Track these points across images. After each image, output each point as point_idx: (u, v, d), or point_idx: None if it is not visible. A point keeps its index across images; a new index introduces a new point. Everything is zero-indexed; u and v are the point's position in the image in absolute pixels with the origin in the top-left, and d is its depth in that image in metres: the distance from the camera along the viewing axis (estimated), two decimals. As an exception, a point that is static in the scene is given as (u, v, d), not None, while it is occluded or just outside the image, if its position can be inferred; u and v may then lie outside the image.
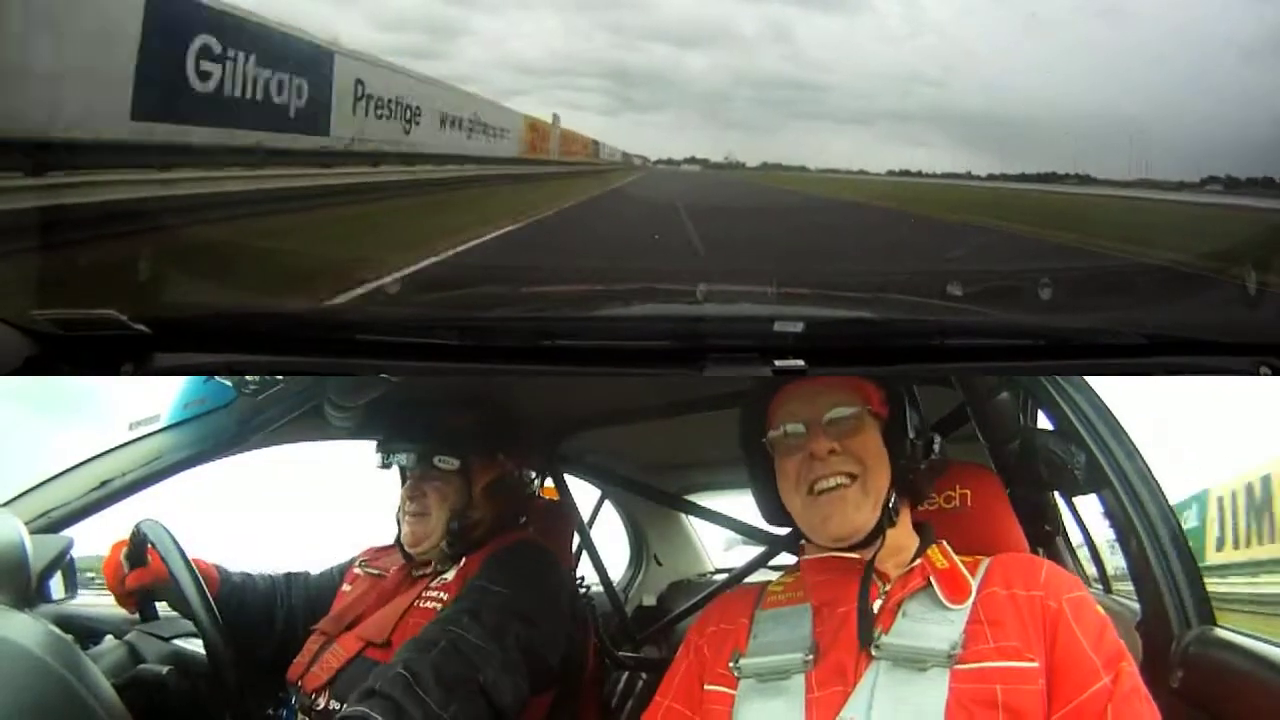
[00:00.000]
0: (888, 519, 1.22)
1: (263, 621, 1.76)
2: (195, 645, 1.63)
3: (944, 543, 1.25)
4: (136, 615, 1.73)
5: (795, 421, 1.25)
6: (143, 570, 1.65)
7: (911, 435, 1.25)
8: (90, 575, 1.82)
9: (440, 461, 1.66)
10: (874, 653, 1.14)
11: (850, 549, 1.22)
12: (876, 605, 1.19)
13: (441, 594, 1.59)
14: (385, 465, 1.72)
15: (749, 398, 1.34)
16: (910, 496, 1.28)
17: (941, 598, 1.17)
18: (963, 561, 1.22)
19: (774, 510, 1.30)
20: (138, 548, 1.65)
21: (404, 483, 1.72)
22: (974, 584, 1.18)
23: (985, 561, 1.22)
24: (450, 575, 1.62)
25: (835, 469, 1.21)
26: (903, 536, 1.25)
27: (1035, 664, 1.09)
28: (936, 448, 1.28)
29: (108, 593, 1.72)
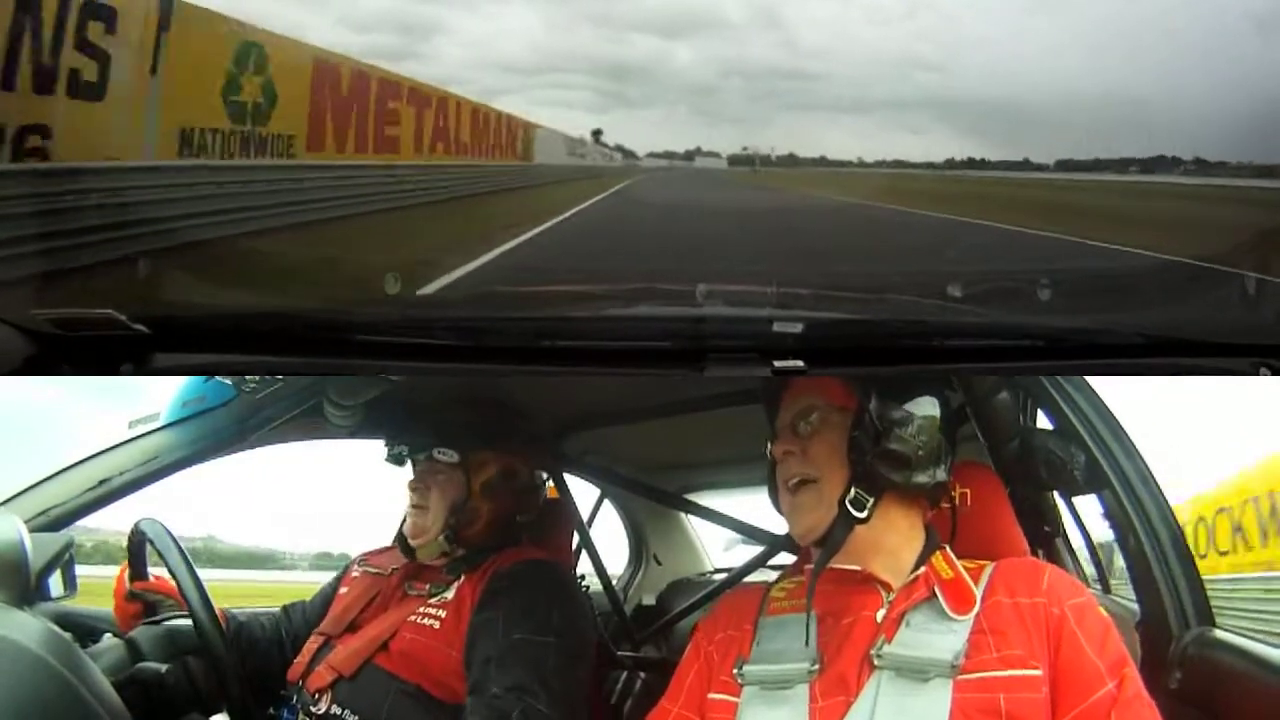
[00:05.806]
0: (846, 517, 1.21)
1: (275, 655, 1.77)
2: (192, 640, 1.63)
3: (947, 549, 1.25)
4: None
5: (777, 424, 1.31)
6: (144, 582, 1.70)
7: (877, 427, 1.21)
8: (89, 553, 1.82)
9: (440, 454, 1.68)
10: (877, 663, 1.14)
11: (817, 546, 1.24)
12: (880, 615, 1.19)
13: (440, 612, 1.58)
14: (391, 459, 1.74)
15: (765, 398, 1.37)
16: (894, 492, 1.22)
17: (946, 609, 1.16)
18: (966, 568, 1.21)
19: (777, 502, 1.33)
20: (137, 547, 1.66)
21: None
22: (978, 593, 1.17)
23: (988, 568, 1.21)
24: (450, 594, 1.61)
25: (793, 472, 1.26)
26: (893, 538, 1.23)
27: (1039, 671, 1.09)
28: (897, 443, 1.20)
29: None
